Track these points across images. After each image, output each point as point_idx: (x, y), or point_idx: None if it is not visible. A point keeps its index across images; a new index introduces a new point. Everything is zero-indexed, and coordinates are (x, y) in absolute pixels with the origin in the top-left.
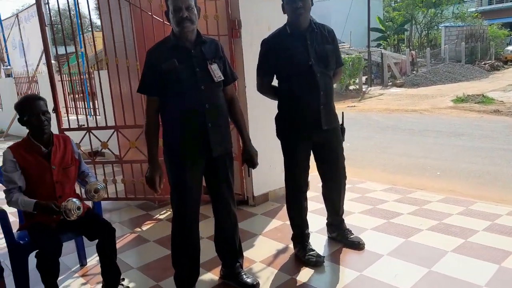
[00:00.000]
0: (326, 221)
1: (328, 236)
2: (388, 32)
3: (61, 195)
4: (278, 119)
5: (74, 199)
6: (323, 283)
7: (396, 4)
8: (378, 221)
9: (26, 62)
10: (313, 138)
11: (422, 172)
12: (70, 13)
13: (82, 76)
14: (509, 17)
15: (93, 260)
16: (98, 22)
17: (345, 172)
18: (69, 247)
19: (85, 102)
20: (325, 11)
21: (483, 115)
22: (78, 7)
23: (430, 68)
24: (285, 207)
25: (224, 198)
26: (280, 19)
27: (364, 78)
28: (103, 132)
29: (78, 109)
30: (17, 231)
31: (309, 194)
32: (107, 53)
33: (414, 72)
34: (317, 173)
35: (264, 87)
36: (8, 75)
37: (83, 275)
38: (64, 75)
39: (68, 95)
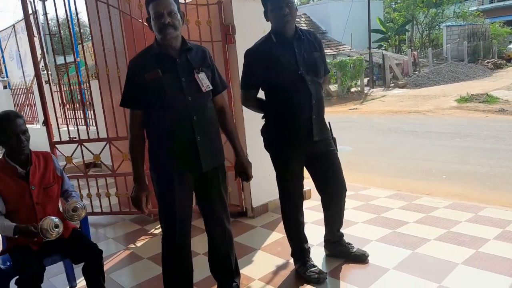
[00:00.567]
0: (324, 238)
1: (326, 255)
2: (389, 33)
3: (42, 218)
4: (266, 131)
5: (52, 217)
6: None
7: (396, 5)
8: (383, 231)
9: (23, 73)
10: (306, 150)
11: (427, 176)
12: (68, 23)
13: (77, 86)
14: (511, 15)
15: (83, 281)
16: None
17: (344, 184)
18: (58, 267)
19: (75, 112)
20: (325, 14)
21: (488, 115)
22: (77, 16)
23: (432, 68)
24: None
25: (217, 214)
26: None
27: (365, 80)
28: (96, 144)
29: (70, 120)
30: None
31: (309, 203)
32: (97, 63)
33: (416, 72)
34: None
35: (248, 100)
36: (5, 87)
37: None
38: (63, 85)
39: (64, 106)
